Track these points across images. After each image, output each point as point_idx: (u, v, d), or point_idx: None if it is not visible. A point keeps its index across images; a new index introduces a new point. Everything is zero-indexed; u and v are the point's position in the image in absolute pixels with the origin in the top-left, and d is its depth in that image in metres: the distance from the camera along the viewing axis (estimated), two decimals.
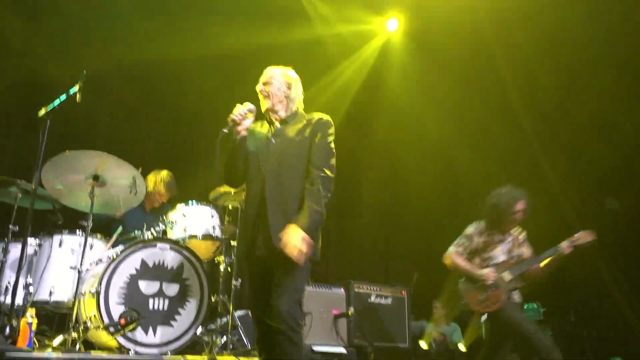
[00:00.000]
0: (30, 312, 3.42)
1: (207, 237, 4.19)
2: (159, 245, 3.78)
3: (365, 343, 5.04)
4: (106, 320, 3.45)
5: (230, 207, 4.66)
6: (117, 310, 3.50)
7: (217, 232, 4.29)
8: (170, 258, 3.78)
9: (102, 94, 5.68)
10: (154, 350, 3.55)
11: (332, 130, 2.97)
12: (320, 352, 4.69)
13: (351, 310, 5.10)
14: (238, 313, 4.62)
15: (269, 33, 6.05)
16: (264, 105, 3.02)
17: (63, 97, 3.48)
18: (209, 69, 6.21)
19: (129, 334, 3.48)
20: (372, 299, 5.38)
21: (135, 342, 3.49)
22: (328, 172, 2.84)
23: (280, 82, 3.03)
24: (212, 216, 4.29)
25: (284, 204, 2.78)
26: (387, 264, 7.74)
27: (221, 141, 2.82)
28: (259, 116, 3.05)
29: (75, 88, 3.64)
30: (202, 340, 4.01)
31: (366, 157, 7.80)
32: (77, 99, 3.63)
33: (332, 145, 2.94)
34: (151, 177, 4.90)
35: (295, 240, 2.60)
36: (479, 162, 6.92)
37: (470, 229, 4.08)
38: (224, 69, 6.17)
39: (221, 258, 4.42)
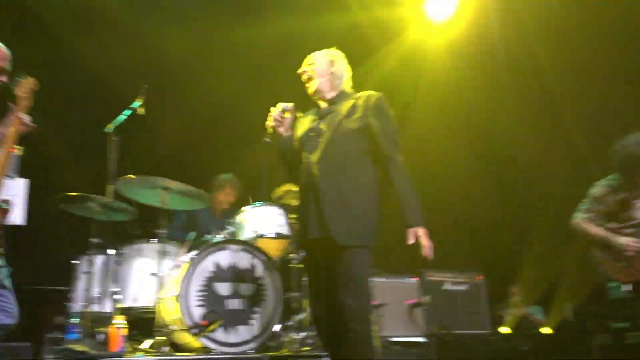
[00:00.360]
0: (120, 318, 3.61)
1: (276, 236, 4.26)
2: (231, 247, 3.88)
3: (444, 331, 4.96)
4: (188, 322, 3.58)
5: (293, 204, 4.71)
6: (197, 312, 3.63)
7: (286, 230, 4.35)
8: (243, 259, 3.87)
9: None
10: (236, 349, 3.65)
11: (387, 106, 2.84)
12: (399, 342, 4.67)
13: (426, 298, 5.04)
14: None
15: (305, 21, 6.02)
16: (309, 88, 2.94)
17: (127, 111, 3.63)
18: (248, 65, 6.22)
19: (212, 335, 3.60)
20: (446, 286, 5.29)
21: (218, 342, 3.61)
22: (396, 152, 2.74)
23: (322, 61, 2.94)
24: (279, 215, 4.36)
25: (338, 187, 2.66)
26: (455, 249, 7.53)
27: (267, 149, 2.86)
28: (307, 105, 3.00)
29: (138, 102, 3.80)
30: (281, 337, 4.09)
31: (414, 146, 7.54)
32: (141, 112, 3.80)
33: (394, 123, 2.82)
34: (217, 181, 5.04)
35: (422, 243, 2.63)
36: (537, 149, 6.62)
37: (598, 190, 3.62)
38: (262, 64, 6.15)
39: (292, 255, 4.48)
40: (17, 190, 3.94)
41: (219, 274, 3.78)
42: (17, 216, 3.89)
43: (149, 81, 4.06)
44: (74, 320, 3.81)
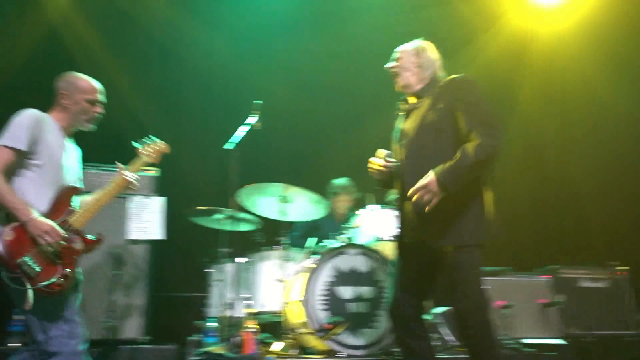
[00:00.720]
0: (253, 322, 3.83)
1: (393, 238, 4.24)
2: (350, 251, 3.94)
3: (583, 332, 4.60)
4: (314, 325, 3.69)
5: None
6: (322, 316, 3.73)
7: None
8: (362, 262, 3.92)
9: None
10: (363, 352, 3.71)
11: (473, 85, 2.61)
12: (532, 344, 4.41)
13: (561, 297, 4.70)
14: (437, 310, 4.58)
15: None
16: (397, 84, 2.82)
17: (245, 128, 3.83)
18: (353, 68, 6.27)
19: (338, 338, 3.68)
20: (583, 283, 4.90)
21: (345, 345, 3.68)
22: (490, 130, 2.45)
23: (408, 54, 2.80)
24: (396, 217, 4.33)
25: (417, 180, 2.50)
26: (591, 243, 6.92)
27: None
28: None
29: (254, 118, 4.01)
30: None
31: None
32: (257, 127, 4.00)
33: (483, 99, 2.58)
34: (332, 187, 5.13)
35: (418, 186, 2.39)
36: None
37: None
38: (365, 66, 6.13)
39: None
40: (155, 208, 4.37)
41: (340, 278, 3.85)
42: (157, 231, 4.32)
43: (264, 97, 4.26)
44: (211, 324, 4.10)
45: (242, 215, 4.32)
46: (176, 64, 5.99)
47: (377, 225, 4.26)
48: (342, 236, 4.33)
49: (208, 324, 4.11)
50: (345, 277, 3.86)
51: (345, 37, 6.29)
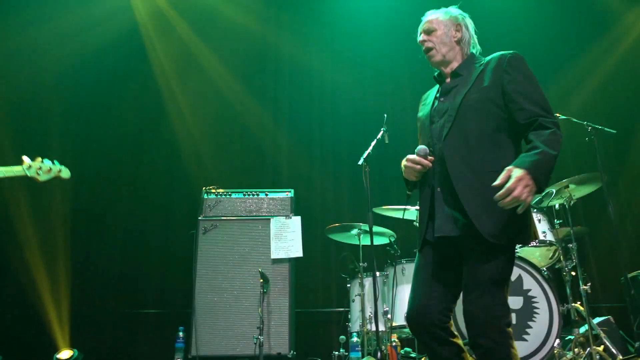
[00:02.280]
0: (394, 336, 3.81)
1: (539, 243, 3.98)
2: None
3: None
4: (462, 338, 3.55)
5: (557, 206, 4.34)
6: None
7: (549, 237, 4.03)
8: None
9: None
10: None
11: (526, 66, 2.26)
12: None
13: None
14: (597, 320, 4.17)
15: None
16: (432, 60, 2.46)
17: (373, 142, 3.86)
18: None
19: None
20: None
21: None
22: (554, 118, 2.16)
23: (446, 26, 2.45)
24: (540, 221, 4.06)
25: (474, 176, 2.16)
26: None
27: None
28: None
29: (382, 131, 4.03)
30: (562, 352, 3.75)
31: None
32: (386, 141, 4.02)
33: (537, 82, 2.23)
34: None
35: (514, 182, 1.95)
36: None
37: None
38: None
39: (562, 263, 4.11)
40: (294, 227, 4.57)
41: None
42: (297, 250, 4.51)
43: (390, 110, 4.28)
44: (354, 339, 4.15)
45: (377, 229, 4.34)
46: (304, 90, 6.27)
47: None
48: None
49: (351, 339, 4.17)
50: None
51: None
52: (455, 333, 2.29)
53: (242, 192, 4.67)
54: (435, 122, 2.35)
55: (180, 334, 4.26)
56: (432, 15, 2.50)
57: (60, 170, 3.11)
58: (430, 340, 2.26)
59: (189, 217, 4.99)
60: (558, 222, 4.23)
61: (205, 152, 5.88)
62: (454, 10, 2.51)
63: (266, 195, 4.67)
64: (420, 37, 2.49)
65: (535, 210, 4.16)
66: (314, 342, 5.03)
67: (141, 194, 5.71)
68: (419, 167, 2.30)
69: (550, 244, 4.03)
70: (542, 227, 4.04)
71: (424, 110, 2.49)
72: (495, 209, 2.05)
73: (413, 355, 4.32)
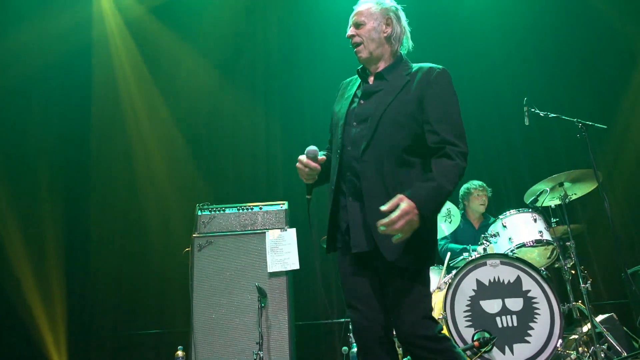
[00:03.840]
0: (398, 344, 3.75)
1: (536, 243, 3.95)
2: (489, 262, 3.72)
3: None
4: (460, 344, 3.51)
5: (552, 206, 4.31)
6: (467, 333, 3.54)
7: (546, 236, 3.99)
8: (504, 272, 3.67)
9: None
10: None
11: (451, 86, 2.19)
12: None
13: None
14: (600, 318, 4.13)
15: None
16: (359, 56, 2.32)
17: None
18: None
19: (487, 356, 3.46)
20: None
21: None
22: (464, 147, 2.12)
23: (376, 19, 2.29)
24: (535, 220, 4.03)
25: (388, 192, 2.09)
26: None
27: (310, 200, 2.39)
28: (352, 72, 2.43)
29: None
30: (565, 353, 3.70)
31: None
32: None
33: (458, 109, 2.18)
34: (471, 190, 4.93)
35: (398, 215, 1.93)
36: None
37: None
38: None
39: (561, 262, 4.08)
40: (289, 240, 4.52)
41: (483, 292, 3.64)
42: (294, 262, 4.46)
43: None
44: (353, 350, 4.09)
45: None
46: (297, 98, 6.26)
47: (518, 230, 3.99)
48: (481, 246, 4.12)
49: (352, 350, 4.11)
50: (488, 290, 3.64)
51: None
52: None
53: (236, 206, 4.63)
54: (353, 126, 2.25)
55: (179, 352, 4.20)
56: (364, 6, 2.35)
57: None
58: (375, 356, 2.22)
59: (184, 235, 4.95)
60: (555, 220, 4.20)
61: (199, 167, 5.87)
62: (386, 2, 2.36)
63: (260, 209, 4.63)
64: (349, 31, 2.35)
65: (530, 209, 4.13)
66: (316, 355, 4.98)
67: (134, 215, 5.69)
68: (307, 169, 2.26)
69: (548, 243, 3.99)
70: (538, 226, 4.01)
71: (341, 105, 2.37)
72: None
73: None
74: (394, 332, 2.19)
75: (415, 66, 2.28)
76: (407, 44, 2.38)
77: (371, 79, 2.34)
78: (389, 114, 2.17)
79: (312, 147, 2.28)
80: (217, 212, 4.61)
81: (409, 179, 2.13)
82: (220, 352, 4.13)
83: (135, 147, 5.93)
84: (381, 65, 2.32)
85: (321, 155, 2.30)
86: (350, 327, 2.40)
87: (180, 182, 5.78)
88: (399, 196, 2.00)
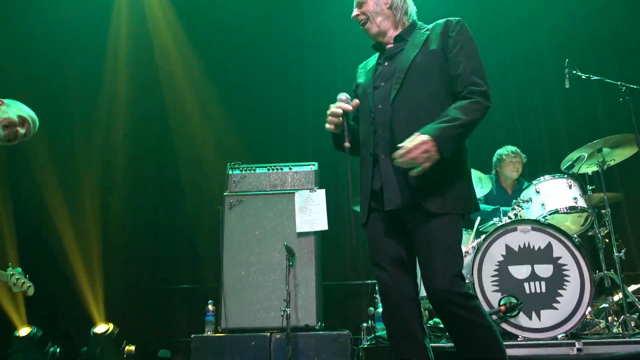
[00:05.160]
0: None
1: (570, 209, 3.86)
2: (520, 227, 3.66)
3: None
4: (487, 308, 3.51)
5: (590, 172, 4.18)
6: (494, 298, 3.52)
7: (581, 203, 3.89)
8: (535, 238, 3.61)
9: None
10: (543, 335, 3.41)
11: (470, 34, 2.24)
12: None
13: None
14: (632, 288, 4.05)
15: None
16: (369, 33, 2.40)
17: None
18: None
19: (513, 321, 3.45)
20: None
21: (521, 328, 3.43)
22: (484, 86, 2.15)
23: None
24: (570, 187, 3.93)
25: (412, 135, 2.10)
26: None
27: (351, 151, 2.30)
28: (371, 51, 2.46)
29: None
30: (594, 321, 3.66)
31: None
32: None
33: (479, 55, 2.22)
34: (503, 156, 4.83)
35: (415, 144, 1.98)
36: None
37: None
38: None
39: (595, 230, 3.98)
40: (319, 201, 4.55)
41: (512, 257, 3.59)
42: (322, 223, 4.50)
43: None
44: (379, 310, 4.14)
45: None
46: (328, 54, 6.17)
47: (552, 196, 3.91)
48: (512, 211, 4.06)
49: (379, 310, 4.16)
50: (517, 255, 3.59)
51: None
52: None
53: (266, 166, 4.66)
54: (380, 86, 2.30)
55: (210, 307, 4.33)
56: None
57: (29, 287, 3.16)
58: (405, 320, 2.22)
59: (216, 194, 5.04)
60: (591, 187, 4.08)
61: (230, 126, 5.92)
62: None
63: (290, 169, 4.66)
64: (353, 12, 2.43)
65: (566, 175, 4.02)
66: (343, 314, 5.06)
67: (169, 173, 5.81)
68: (339, 112, 2.26)
69: (582, 210, 3.89)
70: (572, 193, 3.90)
71: (364, 77, 2.42)
72: (437, 180, 2.10)
73: (442, 326, 4.30)
74: (425, 289, 2.17)
75: (431, 24, 2.35)
76: (412, 8, 2.44)
77: (390, 45, 2.39)
78: (415, 65, 2.23)
79: (344, 93, 2.31)
80: (248, 171, 4.65)
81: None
82: (249, 308, 4.24)
83: (169, 104, 6.01)
84: (392, 33, 2.39)
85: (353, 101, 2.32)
86: (377, 287, 2.38)
87: (214, 140, 5.85)
88: (416, 133, 2.04)
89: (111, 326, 4.77)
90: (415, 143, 1.99)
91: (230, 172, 4.65)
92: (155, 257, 5.51)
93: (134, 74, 6.02)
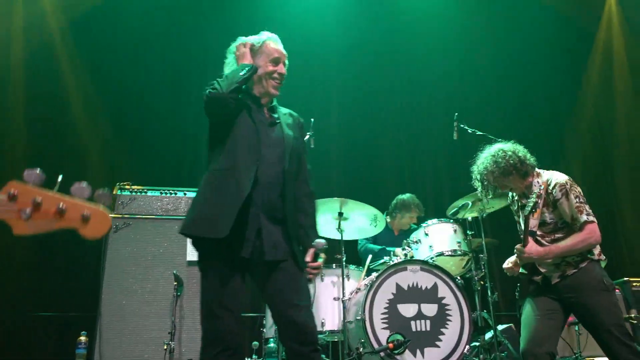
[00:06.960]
0: None
1: (453, 252, 4.14)
2: (409, 267, 3.84)
3: None
4: (375, 345, 3.60)
5: (470, 219, 4.52)
6: (383, 335, 3.63)
7: (463, 247, 4.19)
8: (423, 278, 3.81)
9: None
10: None
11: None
12: None
13: (634, 312, 4.43)
14: (501, 327, 4.40)
15: None
16: (277, 93, 2.53)
17: None
18: None
19: (399, 358, 3.56)
20: None
21: None
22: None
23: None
24: (455, 231, 4.22)
25: (297, 214, 2.47)
26: None
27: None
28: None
29: (307, 135, 4.01)
30: (471, 358, 3.90)
31: None
32: (311, 145, 4.00)
33: None
34: (401, 202, 5.02)
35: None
36: None
37: None
38: None
39: (473, 273, 4.29)
40: None
41: (401, 296, 3.75)
42: None
43: (316, 114, 4.25)
44: (272, 344, 4.07)
45: None
46: None
47: (438, 240, 4.16)
48: (402, 251, 4.24)
49: (268, 345, 4.08)
50: (406, 294, 3.76)
51: (400, 55, 6.35)
52: None
53: (158, 189, 4.43)
54: (265, 141, 2.37)
55: (82, 338, 3.96)
56: (280, 43, 2.58)
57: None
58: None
59: None
60: (471, 233, 4.41)
61: (119, 144, 5.61)
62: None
63: (184, 194, 4.47)
64: (284, 68, 2.53)
65: (452, 220, 4.31)
66: None
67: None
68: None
69: (464, 253, 4.19)
70: (457, 237, 4.20)
71: (246, 109, 2.43)
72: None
73: None
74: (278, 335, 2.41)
75: (290, 111, 2.64)
76: None
77: (265, 111, 2.52)
78: (295, 145, 2.51)
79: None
80: (138, 193, 4.39)
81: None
82: (128, 340, 3.93)
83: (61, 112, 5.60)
84: (266, 100, 2.54)
85: None
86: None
87: (103, 159, 5.49)
88: None
89: None
90: None
91: (119, 192, 4.36)
92: (27, 282, 4.95)
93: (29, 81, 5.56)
